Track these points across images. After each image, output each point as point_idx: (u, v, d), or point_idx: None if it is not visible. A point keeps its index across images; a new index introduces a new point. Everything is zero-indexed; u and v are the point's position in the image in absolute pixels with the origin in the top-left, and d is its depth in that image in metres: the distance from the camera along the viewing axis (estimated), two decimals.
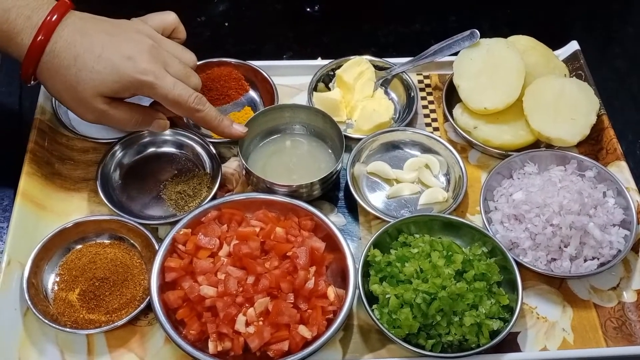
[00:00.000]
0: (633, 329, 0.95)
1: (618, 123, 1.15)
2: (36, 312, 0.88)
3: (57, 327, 0.88)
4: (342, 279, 0.95)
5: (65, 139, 1.10)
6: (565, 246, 0.97)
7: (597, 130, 1.10)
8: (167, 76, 0.94)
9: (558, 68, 1.16)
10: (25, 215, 0.98)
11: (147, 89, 0.93)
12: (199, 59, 1.17)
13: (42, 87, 1.11)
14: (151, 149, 1.09)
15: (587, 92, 1.11)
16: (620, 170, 1.07)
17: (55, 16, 0.90)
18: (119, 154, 1.06)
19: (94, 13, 0.97)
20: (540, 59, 1.16)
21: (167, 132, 1.09)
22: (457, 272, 0.92)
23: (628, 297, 0.98)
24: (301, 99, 1.19)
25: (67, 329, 0.88)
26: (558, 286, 0.99)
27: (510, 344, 0.93)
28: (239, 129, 1.02)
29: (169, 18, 1.03)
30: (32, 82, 0.95)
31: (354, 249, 1.02)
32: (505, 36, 1.19)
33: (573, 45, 1.22)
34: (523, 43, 1.17)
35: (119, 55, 0.91)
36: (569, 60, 1.21)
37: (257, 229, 0.95)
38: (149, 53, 0.93)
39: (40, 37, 0.89)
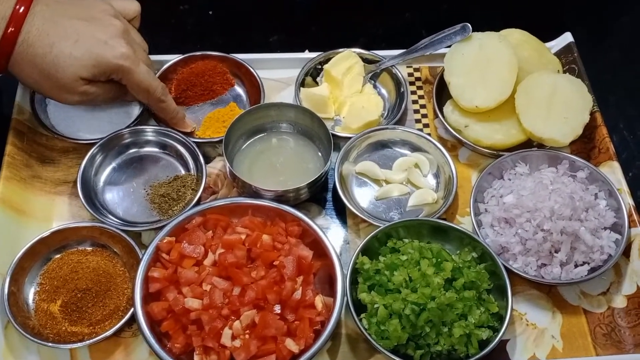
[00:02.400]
0: (622, 336, 0.94)
1: (611, 117, 1.13)
2: (17, 327, 0.86)
3: (39, 341, 0.87)
4: (329, 286, 0.93)
5: (45, 139, 1.07)
6: (556, 251, 0.95)
7: (589, 128, 1.08)
8: (140, 63, 0.97)
9: (551, 63, 1.13)
10: (4, 223, 0.95)
11: (123, 73, 0.95)
12: (182, 51, 1.15)
13: (19, 86, 1.07)
14: (133, 150, 1.06)
15: (581, 89, 1.08)
16: (613, 171, 1.05)
17: (22, 7, 0.89)
18: (99, 157, 1.03)
19: None
20: (533, 54, 1.13)
21: (149, 132, 1.06)
22: (447, 280, 0.90)
23: (618, 302, 0.97)
24: (288, 94, 1.16)
25: (49, 344, 0.87)
26: (547, 291, 0.98)
27: (500, 351, 0.93)
28: (190, 122, 1.08)
29: (133, 7, 1.03)
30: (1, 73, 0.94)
31: (342, 253, 1.00)
32: (498, 24, 1.16)
33: (567, 38, 1.19)
34: (516, 37, 1.14)
35: (95, 40, 0.93)
36: (562, 53, 1.18)
37: (243, 237, 0.93)
38: (122, 37, 0.95)
39: (10, 29, 0.88)
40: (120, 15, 0.99)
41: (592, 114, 1.08)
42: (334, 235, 1.02)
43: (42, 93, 0.99)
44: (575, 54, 1.16)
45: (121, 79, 0.96)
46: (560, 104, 1.06)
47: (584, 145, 1.10)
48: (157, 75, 1.11)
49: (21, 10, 0.89)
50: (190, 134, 1.08)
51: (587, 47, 1.21)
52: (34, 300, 0.92)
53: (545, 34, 1.19)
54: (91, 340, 0.87)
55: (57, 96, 0.96)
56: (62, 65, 0.91)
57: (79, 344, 0.87)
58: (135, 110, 1.09)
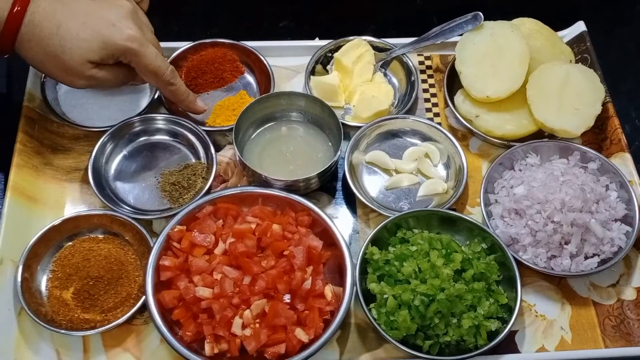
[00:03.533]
0: (631, 328, 0.95)
1: (623, 105, 1.12)
2: (31, 314, 0.87)
3: (52, 328, 0.87)
4: (339, 275, 0.94)
5: (56, 126, 1.07)
6: (566, 243, 0.95)
7: (601, 119, 1.07)
8: (149, 45, 0.95)
9: (564, 53, 1.12)
10: (16, 210, 0.96)
11: (131, 56, 0.93)
12: (192, 37, 1.15)
13: (29, 73, 1.07)
14: (143, 138, 1.06)
15: (593, 80, 1.07)
16: (624, 162, 1.04)
17: None
18: (109, 146, 1.03)
19: None
20: (546, 43, 1.12)
21: (160, 120, 1.06)
22: (456, 271, 0.91)
23: (627, 294, 0.97)
24: (298, 81, 1.16)
25: (62, 331, 0.88)
26: (557, 283, 0.98)
27: (508, 342, 0.93)
28: (201, 105, 1.06)
29: None
30: (8, 55, 0.93)
31: (352, 243, 1.00)
32: (510, 12, 1.15)
33: (579, 27, 1.18)
34: (528, 26, 1.13)
35: (103, 22, 0.91)
36: (575, 42, 1.17)
37: (253, 226, 0.94)
38: (131, 19, 0.93)
39: (17, 8, 0.87)
40: None
41: (604, 104, 1.07)
42: (343, 224, 1.02)
43: (49, 75, 0.97)
44: (588, 44, 1.16)
45: (130, 62, 0.95)
46: (572, 94, 1.05)
47: (596, 136, 1.09)
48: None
49: None
50: (200, 123, 1.08)
51: (599, 34, 1.20)
52: (46, 287, 0.93)
53: (558, 22, 1.18)
54: (103, 328, 0.88)
55: (64, 79, 0.95)
56: (69, 47, 0.90)
57: (92, 332, 0.88)
58: (146, 98, 1.09)
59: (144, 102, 1.08)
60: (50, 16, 0.89)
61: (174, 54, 1.13)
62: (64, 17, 0.90)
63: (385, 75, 1.17)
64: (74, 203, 1.01)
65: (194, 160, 1.05)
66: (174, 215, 0.95)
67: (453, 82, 1.13)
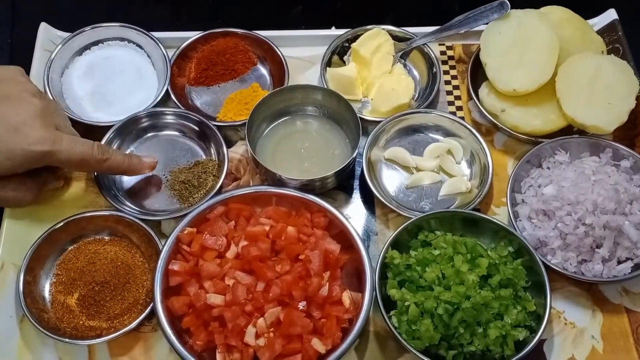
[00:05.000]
0: None
1: None
2: (33, 321, 0.83)
3: (56, 337, 0.83)
4: (357, 280, 0.89)
5: None
6: (598, 247, 0.90)
7: (634, 113, 1.01)
8: (63, 137, 0.84)
9: (595, 43, 1.06)
10: (18, 211, 0.92)
11: (47, 158, 0.82)
12: (201, 27, 1.09)
13: (32, 67, 1.03)
14: (151, 133, 1.01)
15: (626, 72, 1.01)
16: None
17: None
18: (116, 142, 0.98)
19: None
20: (576, 33, 1.06)
21: (169, 115, 1.01)
22: (482, 277, 0.85)
23: None
24: (314, 73, 1.10)
25: (67, 340, 0.83)
26: (587, 288, 0.93)
27: (536, 352, 0.87)
28: (149, 160, 0.93)
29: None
30: None
31: (370, 245, 0.95)
32: (538, 0, 1.08)
33: (611, 15, 1.12)
34: (557, 15, 1.07)
35: (6, 127, 0.80)
36: (606, 31, 1.11)
37: (267, 228, 0.89)
38: (40, 117, 0.82)
39: None
40: (36, 87, 0.87)
41: (637, 98, 1.01)
42: (361, 225, 0.97)
43: None
44: (620, 33, 1.09)
45: (50, 164, 0.84)
46: (603, 87, 0.99)
47: (628, 132, 1.03)
48: (176, 53, 1.06)
49: None
50: (211, 117, 1.03)
51: (632, 23, 1.13)
52: (50, 292, 0.89)
53: (588, 11, 1.11)
54: (110, 336, 0.84)
55: None
56: None
57: (98, 340, 0.84)
58: (154, 92, 1.03)
59: (153, 95, 1.03)
60: None
61: (183, 45, 1.07)
62: None
63: (405, 66, 1.11)
64: (79, 204, 0.96)
65: (204, 157, 1.00)
66: (184, 216, 0.90)
67: (477, 74, 1.08)
